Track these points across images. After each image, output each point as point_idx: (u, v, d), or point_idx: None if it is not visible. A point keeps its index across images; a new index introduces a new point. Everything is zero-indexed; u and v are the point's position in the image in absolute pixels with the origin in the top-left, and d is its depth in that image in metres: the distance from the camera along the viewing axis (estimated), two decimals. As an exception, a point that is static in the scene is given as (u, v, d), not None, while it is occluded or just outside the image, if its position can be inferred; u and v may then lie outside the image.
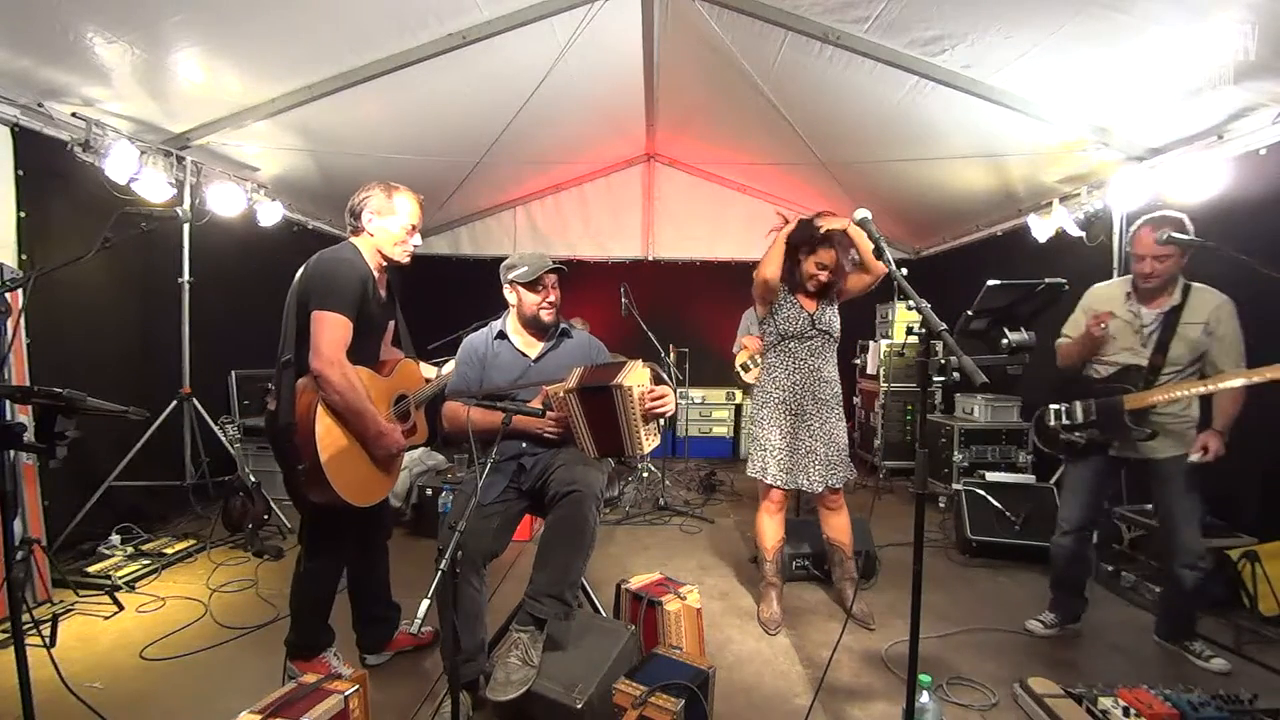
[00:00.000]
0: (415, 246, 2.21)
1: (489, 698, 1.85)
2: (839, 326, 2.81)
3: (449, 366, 2.45)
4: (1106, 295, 2.60)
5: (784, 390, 2.75)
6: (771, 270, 2.68)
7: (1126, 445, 2.47)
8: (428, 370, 2.49)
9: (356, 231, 2.13)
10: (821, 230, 2.63)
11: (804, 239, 2.71)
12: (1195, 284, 2.45)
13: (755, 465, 2.79)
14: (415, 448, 2.94)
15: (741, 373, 4.76)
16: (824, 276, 2.69)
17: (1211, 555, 2.89)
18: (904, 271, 1.78)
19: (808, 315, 2.73)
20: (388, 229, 2.12)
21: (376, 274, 2.13)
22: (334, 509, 2.02)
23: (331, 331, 1.91)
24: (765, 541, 2.84)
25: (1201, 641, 2.50)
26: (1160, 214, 2.44)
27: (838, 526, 2.85)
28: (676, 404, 2.21)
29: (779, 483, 2.71)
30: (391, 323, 2.31)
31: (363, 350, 2.07)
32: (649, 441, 2.06)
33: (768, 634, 2.71)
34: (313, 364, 1.90)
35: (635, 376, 2.00)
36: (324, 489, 1.92)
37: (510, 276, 2.30)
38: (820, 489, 2.70)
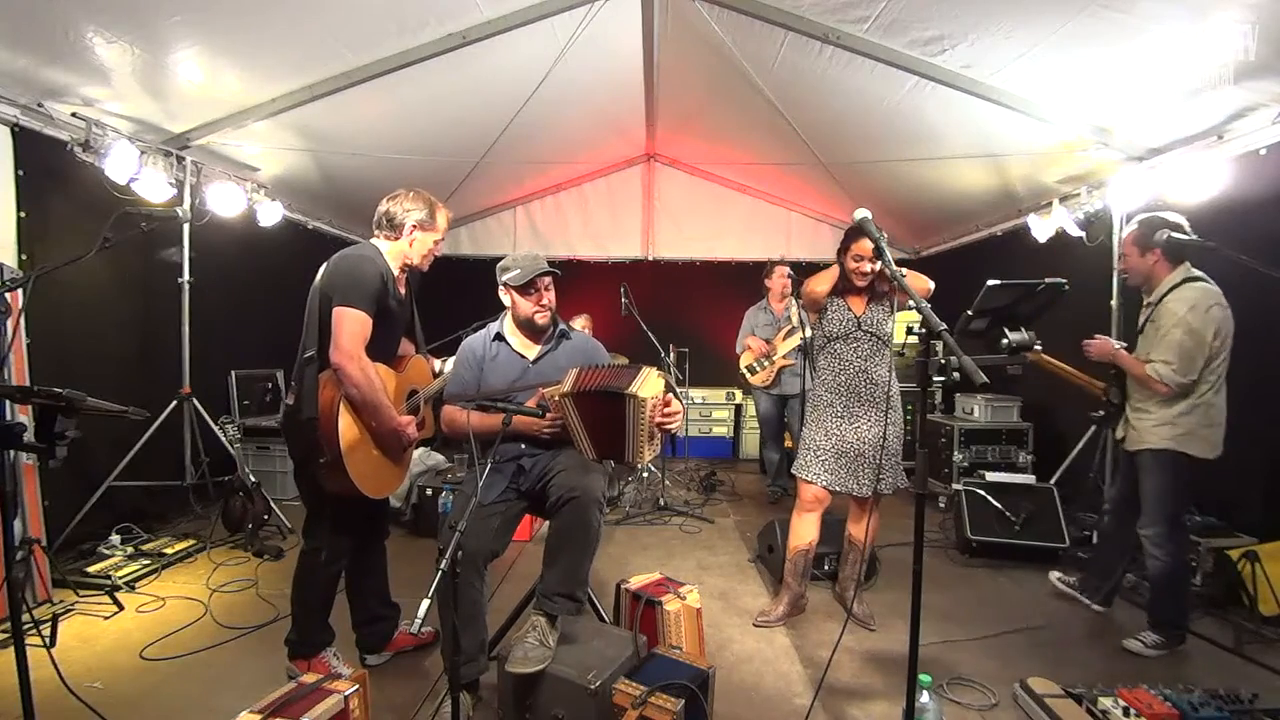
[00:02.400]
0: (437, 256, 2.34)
1: (509, 671, 1.88)
2: (890, 329, 2.73)
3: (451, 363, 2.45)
4: None
5: (831, 392, 2.72)
6: (823, 288, 2.70)
7: (1121, 430, 2.72)
8: (438, 363, 2.54)
9: (392, 237, 2.18)
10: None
11: (841, 248, 2.70)
12: (1191, 283, 2.48)
13: (799, 463, 2.76)
14: (425, 443, 2.92)
15: (748, 374, 4.75)
16: (865, 268, 2.61)
17: (1212, 555, 2.92)
18: (904, 272, 1.78)
19: (854, 317, 2.69)
20: (426, 242, 2.22)
21: (397, 273, 2.18)
22: (344, 501, 2.08)
23: (351, 327, 1.97)
24: (789, 539, 2.82)
25: (1152, 634, 2.58)
26: (1150, 214, 2.62)
27: (864, 528, 2.78)
28: (684, 415, 2.20)
29: (821, 482, 2.66)
30: (410, 320, 2.38)
31: (382, 347, 2.12)
32: (650, 451, 2.04)
33: (754, 624, 2.74)
34: (332, 358, 1.96)
35: (650, 387, 1.94)
36: (342, 480, 1.98)
37: (504, 279, 2.28)
38: (868, 493, 2.64)
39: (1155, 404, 2.52)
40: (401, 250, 2.19)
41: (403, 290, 2.24)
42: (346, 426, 1.98)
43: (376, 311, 2.03)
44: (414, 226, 2.17)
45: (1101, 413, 2.83)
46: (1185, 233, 2.45)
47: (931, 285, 2.55)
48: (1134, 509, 2.69)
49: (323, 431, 1.97)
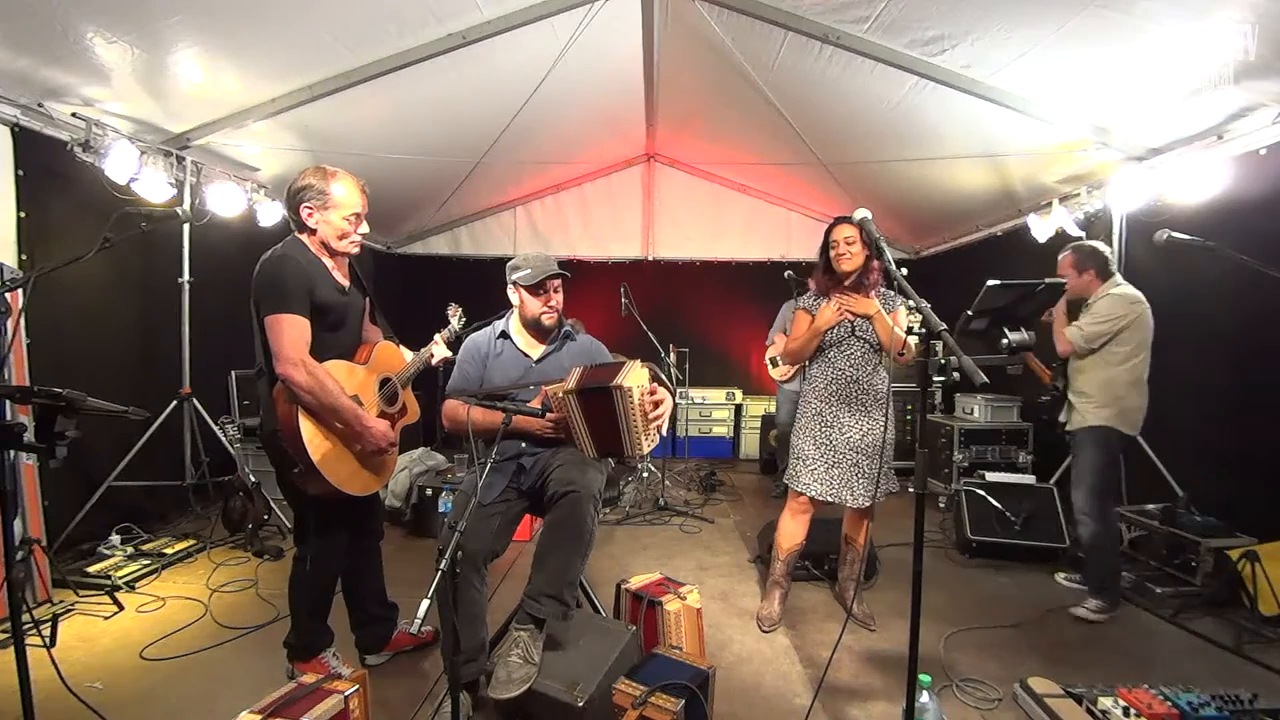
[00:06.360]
0: (362, 235, 2.12)
1: (491, 696, 1.85)
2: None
3: (440, 350, 2.42)
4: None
5: (821, 400, 2.69)
6: (807, 355, 2.74)
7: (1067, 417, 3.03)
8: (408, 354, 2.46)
9: (303, 229, 2.04)
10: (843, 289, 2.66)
11: (822, 244, 2.70)
12: (1120, 286, 2.87)
13: (789, 472, 2.74)
14: (427, 441, 2.84)
15: (770, 367, 4.77)
16: (842, 250, 2.58)
17: (1212, 555, 2.93)
18: (904, 271, 1.78)
19: (848, 322, 2.65)
20: (329, 221, 2.01)
21: (331, 264, 2.06)
22: (329, 503, 2.04)
23: (288, 333, 1.87)
24: (781, 541, 2.81)
25: (1099, 601, 2.84)
26: (1074, 243, 3.02)
27: (860, 528, 2.79)
28: (675, 404, 2.20)
29: (812, 493, 2.64)
30: (366, 304, 2.25)
31: (336, 342, 2.05)
32: (648, 442, 2.05)
33: (761, 631, 2.71)
34: (277, 369, 1.87)
35: (635, 377, 1.99)
36: (323, 484, 1.95)
37: (514, 278, 2.29)
38: (865, 503, 2.62)
39: (1093, 388, 2.86)
40: (317, 238, 2.03)
41: (343, 279, 2.10)
42: (312, 434, 1.91)
43: (312, 308, 1.93)
44: (309, 211, 1.99)
45: (1047, 398, 3.12)
46: (1106, 256, 2.90)
47: (910, 342, 2.53)
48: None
49: (288, 443, 1.90)
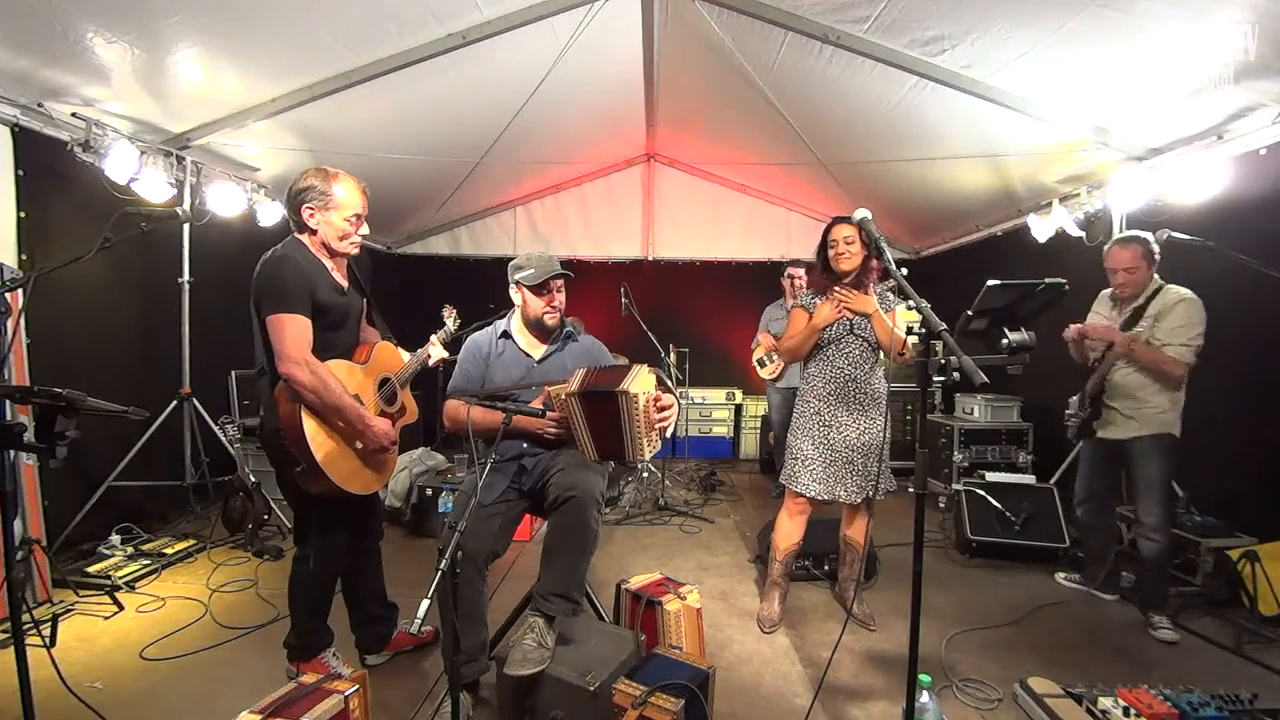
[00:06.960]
0: (363, 236, 2.13)
1: (506, 674, 1.86)
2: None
3: (436, 351, 2.43)
4: (1100, 298, 3.03)
5: (819, 399, 2.68)
6: (797, 343, 2.73)
7: (1105, 425, 2.89)
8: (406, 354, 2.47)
9: (303, 229, 2.06)
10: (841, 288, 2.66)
11: (820, 243, 2.71)
12: (1169, 285, 2.75)
13: (786, 472, 2.74)
14: (428, 441, 2.83)
15: (758, 368, 4.79)
16: (842, 249, 2.59)
17: (1213, 555, 2.93)
18: (904, 271, 1.78)
19: (846, 321, 2.65)
20: (331, 222, 2.03)
21: (330, 264, 2.08)
22: (331, 502, 2.05)
23: (291, 332, 1.88)
24: (779, 541, 2.81)
25: (1164, 617, 2.74)
26: (1129, 234, 2.86)
27: (859, 528, 2.79)
28: (679, 409, 2.19)
29: (810, 493, 2.64)
30: (364, 305, 2.26)
31: (336, 342, 2.06)
32: (650, 448, 2.04)
33: (762, 632, 2.71)
34: (279, 368, 1.88)
35: (641, 383, 1.96)
36: (325, 483, 1.95)
37: (516, 278, 2.29)
38: (859, 500, 2.63)
39: (1154, 392, 2.72)
40: (318, 241, 2.05)
41: (342, 279, 2.11)
42: (315, 433, 1.92)
43: (313, 308, 1.94)
44: (310, 211, 2.01)
45: (1086, 413, 2.96)
46: (1151, 248, 2.74)
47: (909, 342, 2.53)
48: (1102, 498, 3.04)
49: (291, 442, 1.90)
